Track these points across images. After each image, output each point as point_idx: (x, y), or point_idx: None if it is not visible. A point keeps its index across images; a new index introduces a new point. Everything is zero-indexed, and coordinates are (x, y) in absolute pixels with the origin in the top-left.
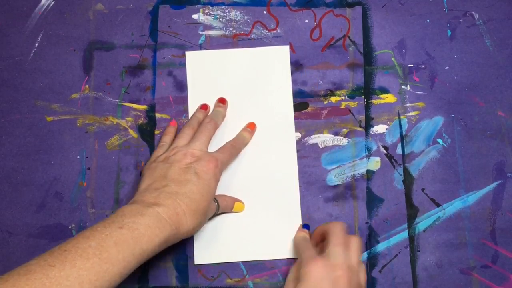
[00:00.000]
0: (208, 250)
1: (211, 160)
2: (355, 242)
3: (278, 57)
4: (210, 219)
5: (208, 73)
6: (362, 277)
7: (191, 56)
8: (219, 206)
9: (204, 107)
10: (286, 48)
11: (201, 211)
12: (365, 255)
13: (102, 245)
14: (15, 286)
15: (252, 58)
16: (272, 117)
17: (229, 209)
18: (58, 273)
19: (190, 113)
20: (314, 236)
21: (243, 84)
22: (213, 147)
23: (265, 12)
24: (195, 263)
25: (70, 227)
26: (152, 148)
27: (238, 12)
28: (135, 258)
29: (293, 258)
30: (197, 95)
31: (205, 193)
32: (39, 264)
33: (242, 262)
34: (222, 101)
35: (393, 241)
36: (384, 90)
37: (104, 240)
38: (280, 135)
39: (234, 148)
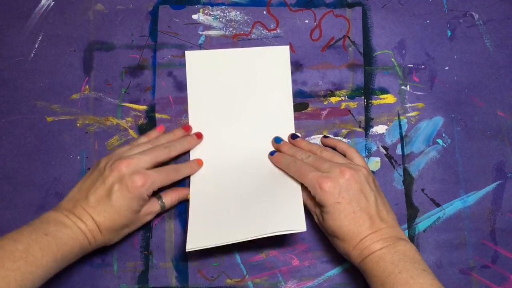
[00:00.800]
0: (200, 234)
1: (140, 178)
2: (352, 149)
3: (279, 57)
4: (167, 210)
5: (208, 73)
6: (360, 161)
7: (190, 56)
8: (164, 205)
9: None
10: (287, 48)
11: (116, 227)
12: None
13: (28, 249)
14: None
15: (252, 58)
16: (272, 117)
17: (177, 199)
18: None
19: (190, 113)
20: None
21: (243, 84)
22: (208, 149)
23: (265, 12)
24: (187, 249)
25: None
26: None
27: (238, 12)
28: (57, 264)
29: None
30: (197, 95)
31: (123, 211)
32: None
33: (240, 259)
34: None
35: None
36: (384, 91)
37: (31, 245)
38: (280, 135)
39: (176, 172)
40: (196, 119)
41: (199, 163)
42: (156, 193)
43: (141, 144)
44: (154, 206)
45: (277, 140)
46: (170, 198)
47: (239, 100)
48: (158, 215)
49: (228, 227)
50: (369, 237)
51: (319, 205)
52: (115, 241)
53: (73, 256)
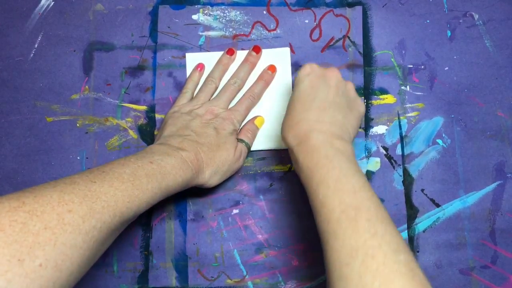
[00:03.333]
0: None
1: (228, 118)
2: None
3: (279, 58)
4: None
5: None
6: (351, 87)
7: (191, 58)
8: (248, 143)
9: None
10: (287, 50)
11: (217, 160)
12: None
13: (135, 174)
14: (62, 191)
15: None
16: (271, 117)
17: (256, 132)
18: (98, 188)
19: None
20: None
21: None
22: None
23: (265, 12)
24: None
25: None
26: None
27: (238, 12)
28: (161, 191)
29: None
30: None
31: (222, 145)
32: (82, 178)
33: (240, 259)
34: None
35: None
36: (384, 91)
37: (137, 170)
38: (280, 135)
39: (250, 100)
40: None
41: (271, 69)
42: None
43: (204, 89)
44: (243, 154)
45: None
46: (248, 132)
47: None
48: (158, 215)
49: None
50: (311, 123)
51: None
52: (215, 184)
53: (176, 186)
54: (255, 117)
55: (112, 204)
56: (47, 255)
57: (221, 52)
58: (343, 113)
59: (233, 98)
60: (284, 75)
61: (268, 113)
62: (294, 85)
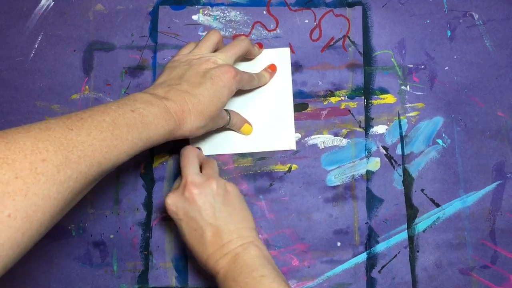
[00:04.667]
0: (202, 143)
1: (230, 70)
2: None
3: (279, 59)
4: (219, 129)
5: None
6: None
7: None
8: (230, 119)
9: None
10: (287, 50)
11: (206, 114)
12: (364, 255)
13: (115, 122)
14: (36, 138)
15: (252, 60)
16: (272, 118)
17: (238, 128)
18: (75, 137)
19: None
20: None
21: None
22: (210, 141)
23: (264, 12)
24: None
25: (69, 227)
26: (151, 149)
27: (238, 12)
28: (142, 142)
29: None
30: None
31: (215, 99)
32: (58, 125)
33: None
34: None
35: (392, 241)
36: (384, 91)
37: (117, 119)
38: (281, 136)
39: (254, 78)
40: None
41: (271, 68)
42: None
43: (208, 39)
44: (224, 114)
45: None
46: (235, 118)
47: (239, 102)
48: (158, 215)
49: (225, 141)
50: (211, 256)
51: None
52: (198, 134)
53: (158, 137)
54: (248, 123)
55: (89, 154)
56: (17, 206)
57: None
58: (233, 217)
59: (238, 55)
60: (283, 75)
61: (266, 113)
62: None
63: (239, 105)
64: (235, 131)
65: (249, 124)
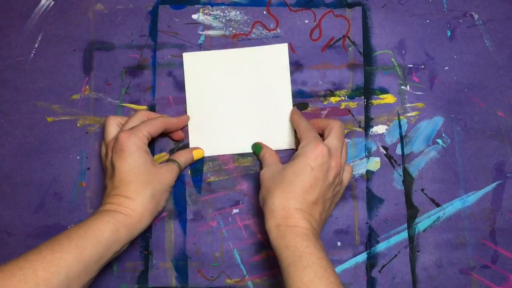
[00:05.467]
0: (202, 143)
1: (125, 134)
2: (346, 145)
3: (277, 55)
4: (220, 130)
5: (206, 74)
6: (347, 177)
7: (188, 57)
8: (179, 164)
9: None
10: (285, 46)
11: (142, 187)
12: (364, 255)
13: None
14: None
15: (250, 57)
16: (271, 117)
17: (190, 161)
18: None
19: (189, 114)
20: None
21: (242, 84)
22: (211, 142)
23: (265, 12)
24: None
25: (69, 227)
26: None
27: (238, 12)
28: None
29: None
30: (195, 96)
31: (134, 169)
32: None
33: (240, 259)
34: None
35: (393, 241)
36: (384, 91)
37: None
38: (279, 134)
39: (165, 120)
40: (195, 121)
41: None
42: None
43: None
44: (171, 168)
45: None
46: (182, 156)
47: (238, 100)
48: (159, 214)
49: (225, 141)
50: (303, 213)
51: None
52: (152, 217)
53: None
54: (195, 148)
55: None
56: None
57: (219, 51)
58: (326, 209)
59: (150, 132)
60: (282, 73)
61: (265, 112)
62: (298, 155)
63: (237, 104)
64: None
65: (198, 148)
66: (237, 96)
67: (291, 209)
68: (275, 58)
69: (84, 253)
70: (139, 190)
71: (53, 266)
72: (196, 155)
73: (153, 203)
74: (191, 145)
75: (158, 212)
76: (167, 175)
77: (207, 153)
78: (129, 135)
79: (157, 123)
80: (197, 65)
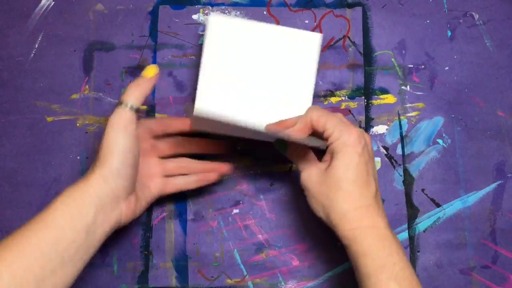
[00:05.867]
0: (210, 99)
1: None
2: None
3: (308, 43)
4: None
5: (229, 44)
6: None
7: (214, 21)
8: (132, 105)
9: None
10: (318, 36)
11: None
12: None
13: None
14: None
15: (280, 37)
16: (287, 104)
17: (146, 84)
18: None
19: (200, 86)
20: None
21: (265, 63)
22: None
23: (265, 13)
24: (194, 112)
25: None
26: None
27: (238, 12)
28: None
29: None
30: (212, 67)
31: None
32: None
33: (240, 259)
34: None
35: None
36: (384, 91)
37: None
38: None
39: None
40: (206, 95)
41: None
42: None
43: None
44: (117, 114)
45: None
46: (134, 94)
47: (257, 76)
48: (158, 215)
49: (235, 106)
50: (372, 207)
51: (330, 151)
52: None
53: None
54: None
55: None
56: None
57: (250, 22)
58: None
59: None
60: (308, 60)
61: (280, 97)
62: (338, 147)
63: (255, 80)
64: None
65: (149, 66)
66: (257, 72)
67: (363, 208)
68: (305, 44)
69: (28, 244)
70: (98, 154)
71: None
72: (148, 72)
73: (103, 162)
74: (197, 102)
75: (115, 169)
76: (112, 121)
77: (212, 110)
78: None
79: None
80: (222, 32)
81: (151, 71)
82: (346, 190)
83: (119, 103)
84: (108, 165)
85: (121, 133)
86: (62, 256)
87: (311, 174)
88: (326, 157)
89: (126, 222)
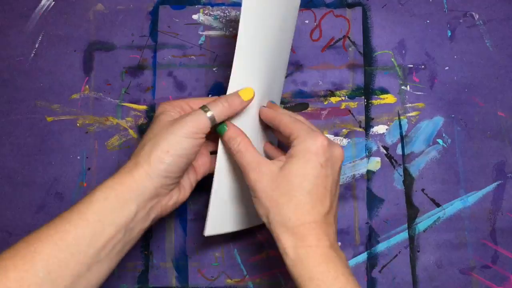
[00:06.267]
0: (218, 221)
1: (160, 104)
2: None
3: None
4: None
5: (263, 17)
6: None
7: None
8: (210, 112)
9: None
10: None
11: (153, 144)
12: (365, 255)
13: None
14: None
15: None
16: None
17: (237, 105)
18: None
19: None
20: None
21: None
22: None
23: None
24: (206, 234)
25: None
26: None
27: (238, 12)
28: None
29: None
30: (247, 43)
31: (153, 129)
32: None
33: (240, 259)
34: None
35: (393, 241)
36: (384, 91)
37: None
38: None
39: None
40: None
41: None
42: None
43: None
44: (195, 115)
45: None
46: (218, 103)
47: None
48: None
49: (242, 216)
50: (320, 224)
51: (288, 154)
52: (160, 175)
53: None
54: (242, 90)
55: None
56: None
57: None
58: (337, 207)
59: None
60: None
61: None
62: (299, 152)
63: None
64: (233, 115)
65: (246, 88)
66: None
67: (311, 224)
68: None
69: (66, 238)
70: (142, 149)
71: (26, 262)
72: (245, 95)
73: (154, 160)
74: (230, 87)
75: (163, 171)
76: (181, 124)
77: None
78: (166, 102)
79: (207, 99)
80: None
81: (249, 94)
82: (298, 201)
83: (202, 107)
84: (159, 165)
85: (189, 138)
86: (99, 253)
87: (262, 175)
88: (281, 157)
89: (167, 215)
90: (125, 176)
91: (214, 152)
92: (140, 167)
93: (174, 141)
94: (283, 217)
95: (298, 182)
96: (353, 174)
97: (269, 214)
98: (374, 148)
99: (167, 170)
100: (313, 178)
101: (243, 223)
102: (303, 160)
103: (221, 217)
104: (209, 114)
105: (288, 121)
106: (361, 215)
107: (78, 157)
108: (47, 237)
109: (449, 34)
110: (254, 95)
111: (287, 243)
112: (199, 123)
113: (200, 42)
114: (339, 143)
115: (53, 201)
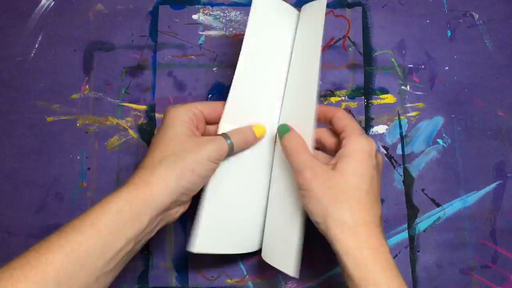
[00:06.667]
0: (207, 240)
1: (171, 109)
2: None
3: (310, 15)
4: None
5: (272, 25)
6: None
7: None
8: (231, 141)
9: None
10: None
11: (167, 158)
12: None
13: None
14: None
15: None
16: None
17: (251, 140)
18: None
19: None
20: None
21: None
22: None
23: None
24: (193, 251)
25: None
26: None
27: (238, 12)
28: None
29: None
30: (253, 48)
31: (166, 140)
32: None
33: (242, 261)
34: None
35: (393, 241)
36: (384, 91)
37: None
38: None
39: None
40: (242, 79)
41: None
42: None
43: None
44: (217, 140)
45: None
46: (237, 133)
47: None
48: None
49: (235, 239)
50: (379, 227)
51: (340, 155)
52: (172, 193)
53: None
54: (256, 125)
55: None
56: None
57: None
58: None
59: (202, 108)
60: (313, 37)
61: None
62: (354, 152)
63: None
64: (246, 147)
65: (259, 124)
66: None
67: (370, 224)
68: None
69: (77, 250)
70: (161, 161)
71: (37, 273)
72: (258, 131)
73: (177, 176)
74: (229, 100)
75: (183, 188)
76: (207, 147)
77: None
78: (176, 108)
79: (216, 104)
80: (267, 11)
81: (262, 132)
82: (357, 200)
83: (223, 135)
84: (182, 182)
85: (211, 161)
86: (108, 264)
87: (317, 174)
88: (332, 160)
89: (173, 222)
90: (142, 189)
91: None
92: (161, 181)
93: (198, 161)
94: (342, 216)
95: (355, 181)
96: None
97: (326, 212)
98: None
99: (187, 188)
100: (369, 178)
101: (237, 247)
102: (359, 160)
103: (214, 235)
104: (229, 141)
105: (343, 116)
106: None
107: (78, 157)
108: (59, 248)
109: (449, 34)
110: (265, 133)
111: (350, 243)
112: (222, 149)
113: (200, 42)
114: None
115: (53, 201)
